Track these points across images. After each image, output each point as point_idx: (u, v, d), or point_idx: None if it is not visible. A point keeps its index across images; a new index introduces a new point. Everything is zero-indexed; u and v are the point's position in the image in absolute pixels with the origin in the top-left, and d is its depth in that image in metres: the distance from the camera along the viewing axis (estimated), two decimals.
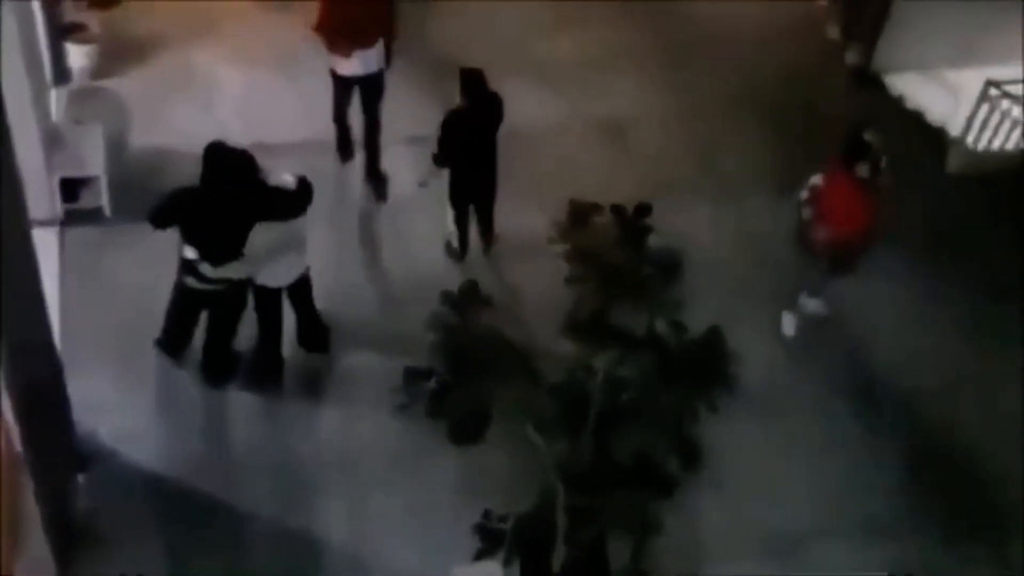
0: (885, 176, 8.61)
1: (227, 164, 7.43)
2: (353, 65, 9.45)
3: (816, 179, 8.80)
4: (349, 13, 9.17)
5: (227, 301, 8.00)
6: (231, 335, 8.27)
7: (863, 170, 8.50)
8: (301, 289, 8.22)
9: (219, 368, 8.37)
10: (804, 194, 8.88)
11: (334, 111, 9.94)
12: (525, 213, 9.25)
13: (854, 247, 8.78)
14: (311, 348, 8.62)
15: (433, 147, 8.87)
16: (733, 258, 9.74)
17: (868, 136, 8.65)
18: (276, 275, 7.97)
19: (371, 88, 9.72)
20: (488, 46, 10.92)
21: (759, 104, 11.43)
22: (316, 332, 8.59)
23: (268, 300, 8.12)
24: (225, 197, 7.46)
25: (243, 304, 8.10)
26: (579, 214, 5.51)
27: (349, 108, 9.91)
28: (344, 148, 10.14)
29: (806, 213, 8.88)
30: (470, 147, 8.90)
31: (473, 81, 8.66)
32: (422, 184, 9.19)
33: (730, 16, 12.48)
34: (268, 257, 7.74)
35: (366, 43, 9.40)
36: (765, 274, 9.66)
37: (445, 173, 9.05)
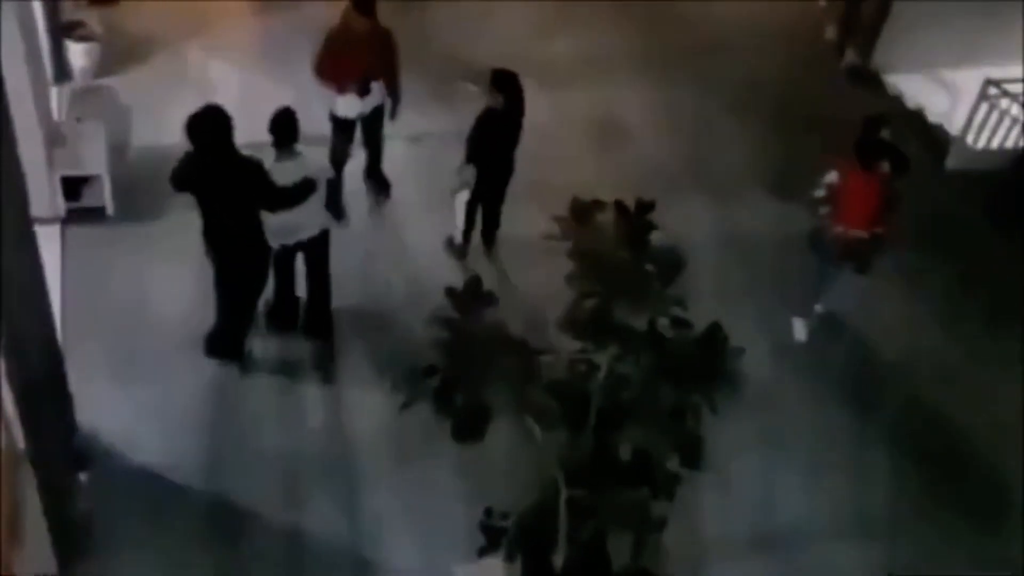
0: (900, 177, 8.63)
1: (209, 125, 7.45)
2: (355, 105, 9.38)
3: (832, 177, 8.75)
4: (353, 51, 9.09)
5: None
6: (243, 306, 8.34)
7: (885, 167, 8.49)
8: (316, 249, 8.35)
9: (223, 343, 8.46)
10: (820, 192, 8.83)
11: (332, 155, 9.48)
12: (524, 211, 9.28)
13: (869, 246, 8.76)
14: (313, 334, 8.71)
15: (466, 149, 8.99)
16: (730, 256, 9.77)
17: (886, 133, 8.65)
18: (291, 231, 8.07)
19: (373, 121, 9.67)
20: (487, 46, 10.98)
21: (758, 104, 11.47)
22: (321, 316, 8.71)
23: (281, 257, 8.28)
24: (216, 160, 7.52)
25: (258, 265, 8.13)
26: (581, 211, 5.51)
27: (349, 155, 9.74)
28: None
29: (823, 211, 8.84)
30: (500, 146, 9.01)
31: (508, 81, 8.79)
32: (463, 188, 9.22)
33: (729, 16, 12.52)
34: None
35: (371, 78, 9.35)
36: (763, 272, 9.69)
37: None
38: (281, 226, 7.97)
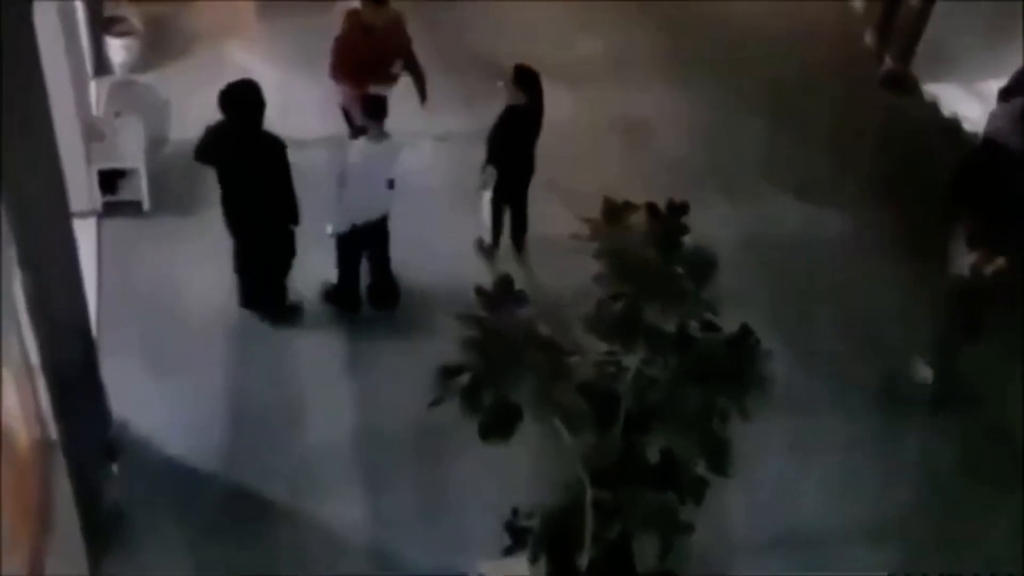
0: None
1: (243, 97, 7.89)
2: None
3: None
4: (374, 47, 9.28)
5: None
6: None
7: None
8: (380, 229, 8.69)
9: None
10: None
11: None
12: (551, 211, 9.31)
13: None
14: (381, 304, 9.05)
15: (488, 148, 9.09)
16: (755, 259, 9.70)
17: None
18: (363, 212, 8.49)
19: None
20: (512, 46, 10.94)
21: (790, 107, 11.41)
22: (387, 286, 9.06)
23: (349, 239, 8.64)
24: (248, 135, 7.92)
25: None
26: (613, 212, 5.52)
27: None
28: None
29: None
30: (521, 144, 9.07)
31: (529, 79, 8.85)
32: (487, 188, 9.29)
33: (764, 18, 12.46)
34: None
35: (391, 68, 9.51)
36: (785, 275, 9.65)
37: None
38: (355, 207, 8.40)
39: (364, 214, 8.53)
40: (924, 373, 9.05)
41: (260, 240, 8.47)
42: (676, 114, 11.26)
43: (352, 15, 9.35)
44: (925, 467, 8.42)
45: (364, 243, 8.77)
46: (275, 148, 8.05)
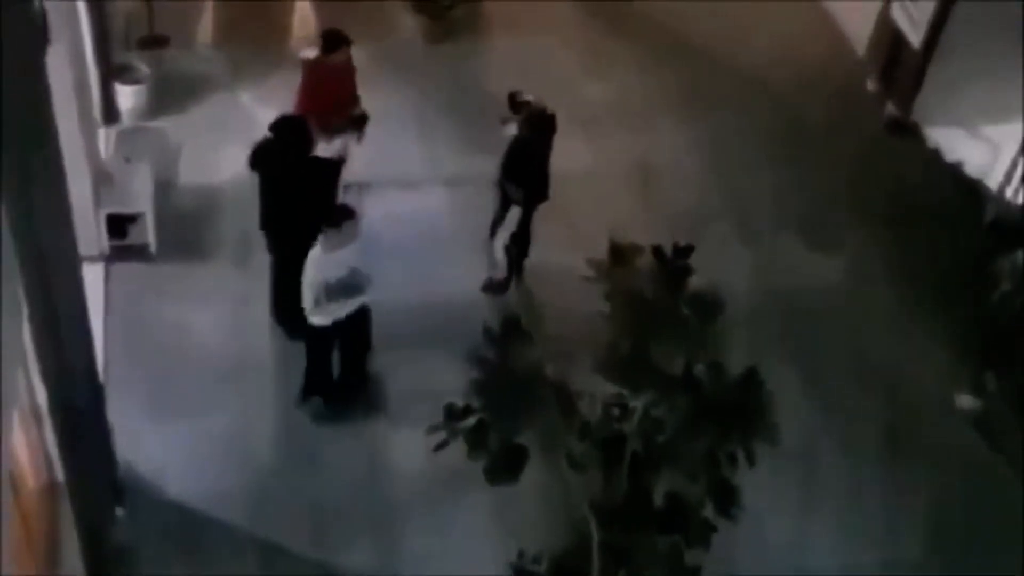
0: None
1: (288, 131, 8.34)
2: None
3: None
4: (336, 85, 9.47)
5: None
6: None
7: None
8: (354, 324, 8.29)
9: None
10: None
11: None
12: (561, 252, 9.34)
13: None
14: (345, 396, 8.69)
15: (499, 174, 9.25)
16: (756, 300, 9.71)
17: None
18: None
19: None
20: (524, 90, 11.04)
21: (794, 153, 11.47)
22: (351, 382, 8.68)
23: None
24: (288, 158, 8.26)
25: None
26: (619, 254, 5.56)
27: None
28: None
29: None
30: (539, 173, 9.20)
31: (543, 122, 9.04)
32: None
33: (768, 66, 12.53)
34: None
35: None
36: (793, 319, 9.67)
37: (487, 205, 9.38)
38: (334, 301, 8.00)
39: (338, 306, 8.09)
40: (966, 403, 9.18)
41: (289, 256, 8.39)
42: (684, 158, 11.32)
43: (308, 62, 9.62)
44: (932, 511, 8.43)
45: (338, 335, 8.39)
46: (315, 172, 8.44)
